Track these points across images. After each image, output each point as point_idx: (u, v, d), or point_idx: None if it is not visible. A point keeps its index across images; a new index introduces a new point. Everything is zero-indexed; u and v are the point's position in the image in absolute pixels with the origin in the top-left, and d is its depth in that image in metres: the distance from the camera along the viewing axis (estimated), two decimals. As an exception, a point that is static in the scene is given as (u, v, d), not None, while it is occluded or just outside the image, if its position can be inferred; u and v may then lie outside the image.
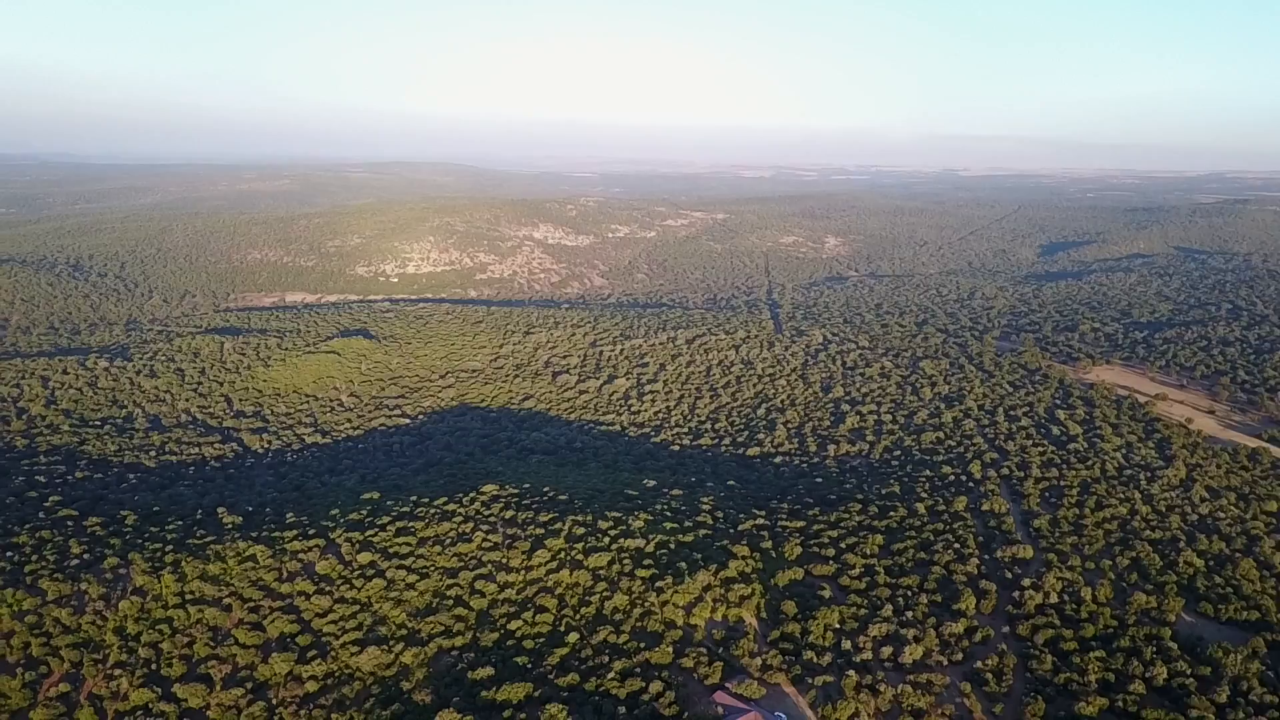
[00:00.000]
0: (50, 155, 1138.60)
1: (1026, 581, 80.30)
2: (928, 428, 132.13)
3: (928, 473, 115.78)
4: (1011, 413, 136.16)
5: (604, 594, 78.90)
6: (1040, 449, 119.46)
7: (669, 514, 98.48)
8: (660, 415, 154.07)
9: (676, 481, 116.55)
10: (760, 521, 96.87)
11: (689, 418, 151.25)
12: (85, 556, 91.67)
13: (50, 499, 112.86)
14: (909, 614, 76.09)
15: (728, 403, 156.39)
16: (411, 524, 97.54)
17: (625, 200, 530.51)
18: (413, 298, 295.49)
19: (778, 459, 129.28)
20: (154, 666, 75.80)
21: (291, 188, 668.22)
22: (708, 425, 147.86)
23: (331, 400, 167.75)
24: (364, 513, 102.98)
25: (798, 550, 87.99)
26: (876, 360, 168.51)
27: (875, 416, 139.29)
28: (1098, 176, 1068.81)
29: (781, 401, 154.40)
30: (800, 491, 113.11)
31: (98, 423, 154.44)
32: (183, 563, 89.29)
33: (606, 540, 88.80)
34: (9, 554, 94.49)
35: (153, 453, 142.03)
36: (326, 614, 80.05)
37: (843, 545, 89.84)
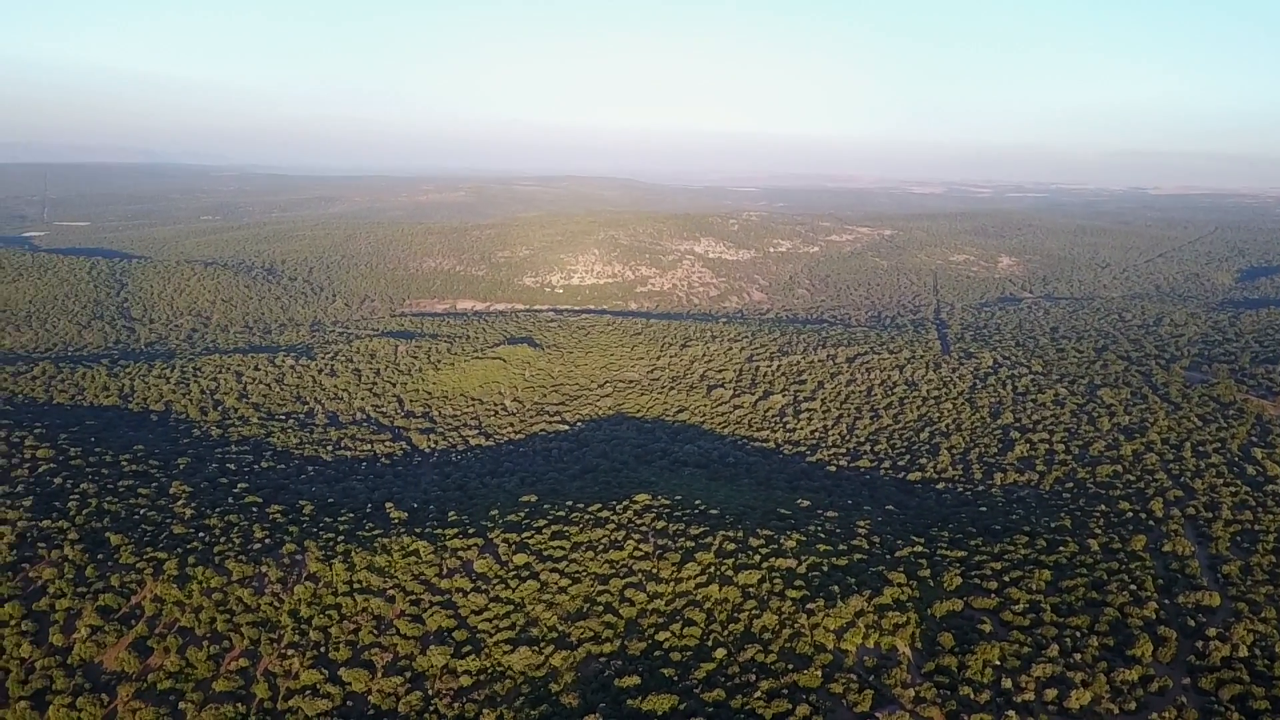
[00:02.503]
0: (250, 167, 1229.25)
1: (1212, 631, 73.41)
2: (1104, 460, 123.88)
3: (1103, 507, 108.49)
4: (1200, 448, 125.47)
5: (753, 612, 77.95)
6: (1232, 489, 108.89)
7: (823, 535, 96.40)
8: (817, 434, 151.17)
9: (832, 503, 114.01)
10: (919, 549, 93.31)
11: (847, 438, 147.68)
12: (266, 541, 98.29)
13: (238, 486, 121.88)
14: (1077, 656, 71.43)
15: (889, 424, 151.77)
16: (566, 528, 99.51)
17: (788, 215, 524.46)
18: (576, 308, 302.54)
19: (940, 485, 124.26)
20: (322, 649, 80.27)
21: (465, 199, 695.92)
22: (867, 446, 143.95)
23: (495, 404, 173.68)
24: (521, 515, 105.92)
25: (958, 581, 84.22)
26: (1050, 386, 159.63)
27: (1047, 445, 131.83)
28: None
29: (946, 425, 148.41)
30: (962, 520, 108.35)
31: (283, 416, 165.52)
32: (352, 553, 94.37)
33: (757, 558, 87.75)
34: (201, 535, 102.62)
35: (329, 447, 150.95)
36: (482, 612, 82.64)
37: (1006, 579, 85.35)
